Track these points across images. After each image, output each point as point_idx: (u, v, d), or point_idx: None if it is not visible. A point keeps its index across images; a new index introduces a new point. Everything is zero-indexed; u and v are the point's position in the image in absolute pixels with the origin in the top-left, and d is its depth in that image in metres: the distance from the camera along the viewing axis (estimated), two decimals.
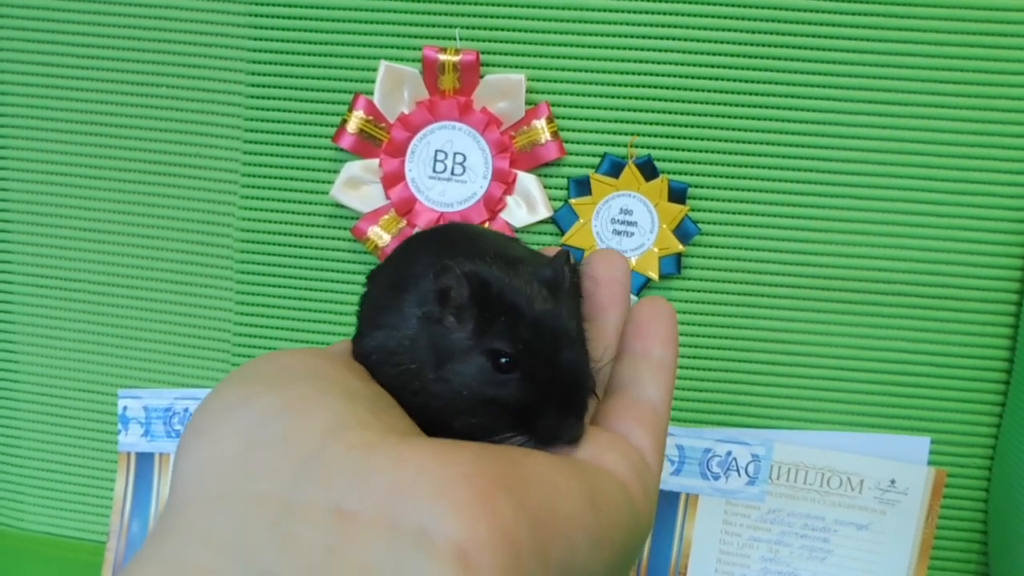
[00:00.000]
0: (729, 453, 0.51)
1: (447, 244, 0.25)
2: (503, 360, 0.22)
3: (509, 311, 0.23)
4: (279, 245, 0.53)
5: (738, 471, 0.51)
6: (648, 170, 0.49)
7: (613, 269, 0.27)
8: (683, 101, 0.50)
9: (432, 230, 0.28)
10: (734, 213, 0.50)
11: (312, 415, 0.19)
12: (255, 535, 0.17)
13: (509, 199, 0.51)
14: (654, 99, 0.50)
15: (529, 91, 0.50)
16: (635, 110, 0.50)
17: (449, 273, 0.22)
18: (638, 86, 0.50)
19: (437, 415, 0.23)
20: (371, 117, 0.50)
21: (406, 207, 0.51)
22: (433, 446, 0.19)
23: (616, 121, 0.50)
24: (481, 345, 0.23)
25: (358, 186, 0.51)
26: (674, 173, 0.50)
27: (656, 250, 0.50)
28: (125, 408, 0.55)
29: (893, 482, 0.51)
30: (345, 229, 0.52)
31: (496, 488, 0.18)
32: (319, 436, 0.18)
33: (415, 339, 0.23)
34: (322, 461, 0.18)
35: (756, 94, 0.49)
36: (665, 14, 0.49)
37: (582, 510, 0.19)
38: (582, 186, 0.50)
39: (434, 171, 0.50)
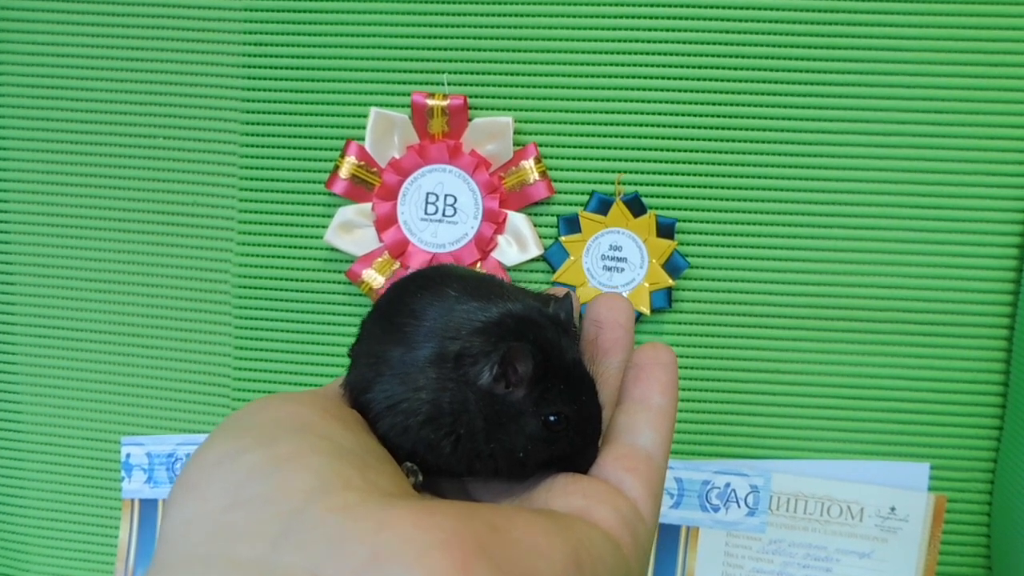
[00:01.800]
0: (728, 485, 0.51)
1: (447, 298, 0.25)
2: (558, 420, 0.23)
3: (559, 374, 0.24)
4: (275, 290, 0.53)
5: (737, 502, 0.51)
6: (636, 207, 0.50)
7: (616, 313, 0.27)
8: (668, 138, 0.50)
9: (420, 276, 0.28)
10: (723, 246, 0.51)
11: (296, 474, 0.19)
12: None
13: (500, 238, 0.51)
14: (639, 136, 0.50)
15: (517, 132, 0.51)
16: (621, 148, 0.51)
17: (516, 352, 0.23)
18: (623, 124, 0.50)
19: (464, 466, 0.24)
20: (363, 162, 0.51)
21: (399, 249, 0.51)
22: (414, 510, 0.18)
23: (603, 159, 0.51)
24: (541, 411, 0.23)
25: (352, 230, 0.52)
26: (661, 208, 0.51)
27: (647, 285, 0.50)
28: (128, 455, 0.56)
29: (893, 509, 0.51)
30: (340, 272, 0.53)
31: (474, 556, 0.18)
32: (301, 498, 0.19)
33: (439, 400, 0.23)
34: (302, 525, 0.18)
35: (741, 129, 0.50)
36: (648, 54, 0.50)
37: (565, 572, 0.19)
38: (571, 224, 0.51)
39: (426, 213, 0.51)
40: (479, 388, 0.23)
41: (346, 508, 0.18)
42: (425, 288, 0.26)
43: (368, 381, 0.24)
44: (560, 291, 0.28)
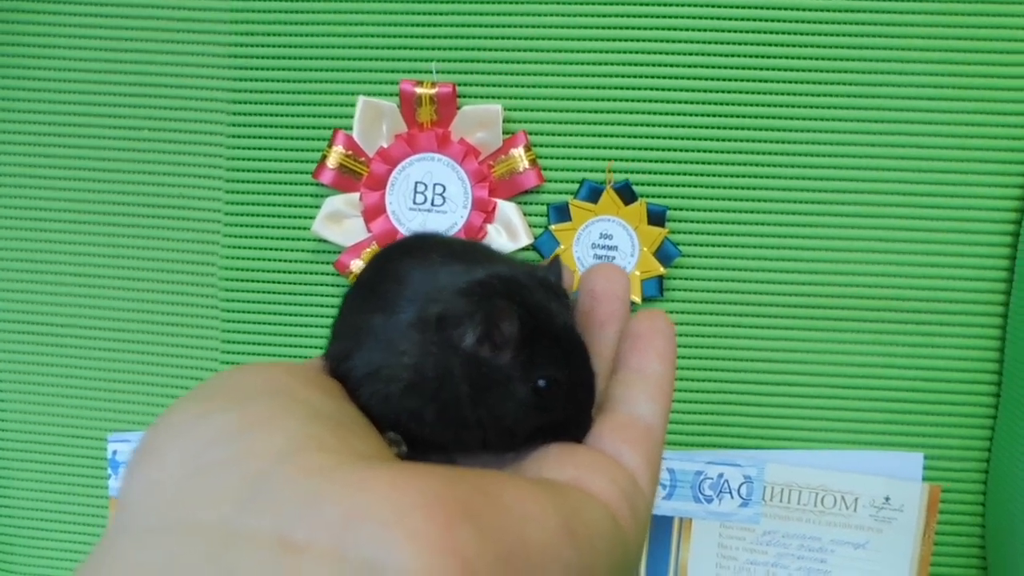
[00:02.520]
0: (721, 475, 0.51)
1: (431, 262, 0.24)
2: (549, 385, 0.22)
3: (548, 337, 0.23)
4: (263, 282, 0.53)
5: (731, 493, 0.51)
6: (626, 194, 0.50)
7: (612, 284, 0.26)
8: (659, 125, 0.50)
9: (403, 245, 0.27)
10: (715, 234, 0.50)
11: (267, 436, 0.18)
12: (190, 569, 0.16)
13: (490, 228, 0.51)
14: (630, 124, 0.50)
15: (506, 120, 0.50)
16: (611, 135, 0.50)
17: (500, 311, 0.21)
18: (614, 112, 0.50)
19: (449, 436, 0.23)
20: (350, 152, 0.50)
21: (388, 239, 0.51)
22: (394, 471, 0.17)
23: (593, 147, 0.50)
24: (530, 375, 0.22)
25: (339, 220, 0.51)
26: (652, 196, 0.50)
27: (638, 273, 0.50)
28: (115, 452, 0.55)
29: (888, 499, 0.50)
30: (328, 264, 0.52)
31: (458, 517, 0.16)
32: (271, 459, 0.17)
33: (421, 366, 0.22)
34: (271, 486, 0.17)
35: (733, 116, 0.50)
36: (638, 40, 0.49)
37: (557, 539, 0.18)
38: (561, 212, 0.50)
39: (414, 203, 0.51)
40: (463, 352, 0.22)
41: (320, 469, 0.17)
42: (408, 254, 0.25)
43: (348, 350, 0.23)
44: None
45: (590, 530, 0.19)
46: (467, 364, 0.22)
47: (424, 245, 0.25)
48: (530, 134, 0.50)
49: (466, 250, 0.25)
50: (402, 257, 0.25)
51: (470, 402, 0.22)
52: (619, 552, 0.20)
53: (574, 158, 0.51)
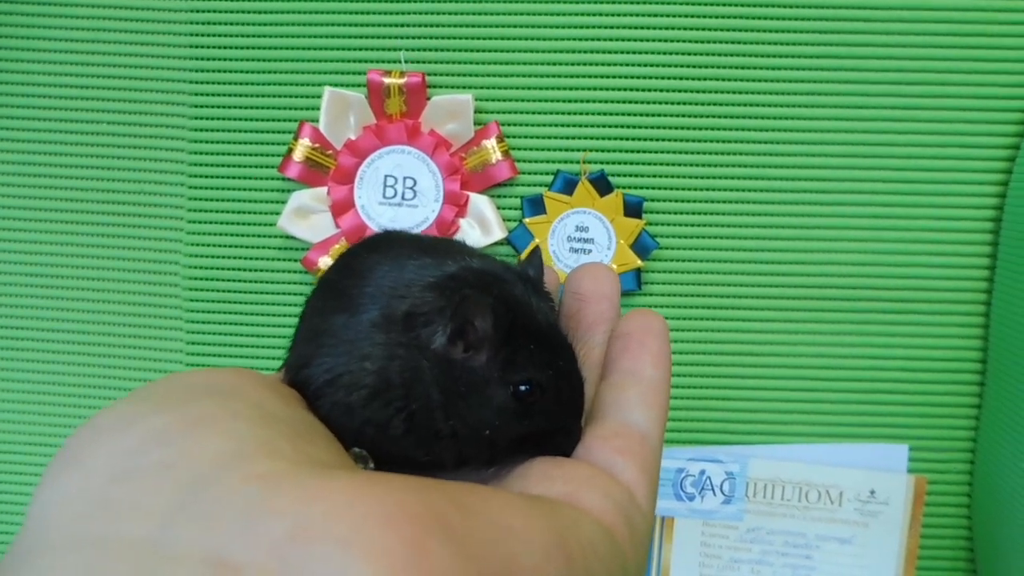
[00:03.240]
0: (703, 472, 0.50)
1: (399, 256, 0.22)
2: (530, 389, 0.20)
3: (527, 335, 0.20)
4: (228, 280, 0.51)
5: (713, 490, 0.50)
6: (602, 185, 0.48)
7: (601, 284, 0.24)
8: (634, 114, 0.49)
9: (369, 242, 0.25)
10: (693, 225, 0.49)
11: (209, 438, 0.16)
12: None
13: (462, 222, 0.49)
14: (604, 113, 0.49)
15: (477, 111, 0.49)
16: (586, 125, 0.49)
17: (471, 304, 0.19)
18: (588, 101, 0.49)
19: (421, 451, 0.20)
20: (317, 144, 0.49)
21: (357, 235, 0.49)
22: (355, 480, 0.15)
23: (567, 137, 0.49)
24: (509, 378, 0.20)
25: (307, 216, 0.49)
26: (628, 187, 0.49)
27: (615, 266, 0.49)
28: None
29: (873, 492, 0.49)
30: (295, 261, 0.50)
31: (430, 533, 0.14)
32: (211, 464, 0.15)
33: (387, 370, 0.20)
34: (208, 496, 0.15)
35: (709, 104, 0.48)
36: (612, 27, 0.48)
37: (550, 560, 0.16)
38: (536, 205, 0.49)
39: (384, 197, 0.49)
40: (434, 353, 0.20)
41: (267, 477, 0.15)
42: (374, 249, 0.23)
43: (307, 356, 0.21)
44: None
45: (586, 550, 0.17)
46: (438, 367, 0.20)
47: (391, 240, 0.23)
48: (502, 124, 0.49)
49: (437, 245, 0.23)
50: (367, 253, 0.23)
51: (442, 410, 0.20)
52: (618, 574, 0.18)
53: (548, 149, 0.49)
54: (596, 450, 0.21)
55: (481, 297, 0.19)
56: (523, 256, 0.24)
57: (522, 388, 0.20)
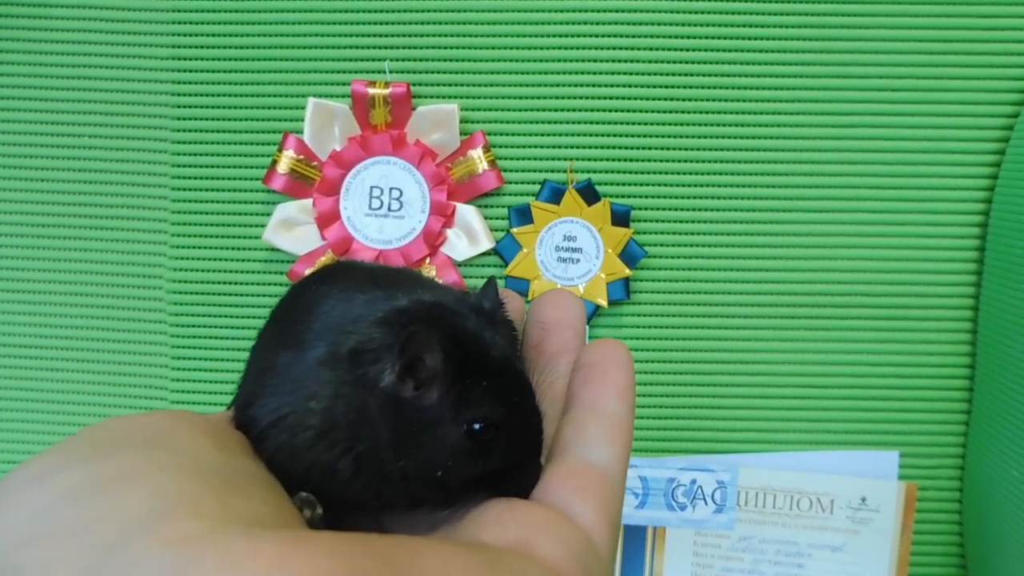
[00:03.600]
0: (694, 481, 0.50)
1: (347, 290, 0.21)
2: (484, 428, 0.19)
3: (480, 370, 0.20)
4: (213, 294, 0.50)
5: (704, 499, 0.50)
6: (589, 195, 0.48)
7: (563, 312, 0.23)
8: (621, 123, 0.48)
9: (319, 274, 0.24)
10: (681, 233, 0.49)
11: (127, 497, 0.15)
12: None
13: (449, 232, 0.49)
14: (591, 122, 0.49)
15: (463, 121, 0.48)
16: (572, 134, 0.49)
17: (419, 339, 0.18)
18: (574, 110, 0.49)
19: (371, 494, 0.19)
20: (302, 156, 0.48)
21: (343, 247, 0.49)
22: (281, 542, 0.14)
23: (554, 147, 0.49)
24: (463, 416, 0.19)
25: (292, 228, 0.49)
26: (616, 196, 0.49)
27: (603, 276, 0.48)
28: None
29: (864, 500, 0.49)
30: (281, 273, 0.50)
31: None
32: (128, 525, 0.14)
33: (333, 410, 0.19)
34: (116, 565, 0.13)
35: (696, 112, 0.48)
36: (598, 36, 0.48)
37: None
38: (523, 215, 0.48)
39: (370, 208, 0.49)
40: (383, 391, 0.19)
41: (184, 540, 0.14)
42: (323, 282, 0.22)
43: (252, 396, 0.20)
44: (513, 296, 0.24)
45: None
46: (387, 406, 0.19)
47: (342, 272, 0.22)
48: (488, 134, 0.48)
49: (390, 276, 0.22)
50: (317, 286, 0.22)
51: (392, 451, 0.19)
52: None
53: (534, 158, 0.49)
54: (554, 490, 0.20)
55: (431, 332, 0.18)
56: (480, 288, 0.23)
57: (476, 426, 0.19)
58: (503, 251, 0.49)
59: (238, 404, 0.21)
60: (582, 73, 0.48)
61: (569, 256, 0.49)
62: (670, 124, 0.48)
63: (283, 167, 0.48)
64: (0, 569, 0.14)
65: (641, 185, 0.49)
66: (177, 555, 0.13)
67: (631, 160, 0.49)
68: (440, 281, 0.26)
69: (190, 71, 0.49)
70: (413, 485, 0.19)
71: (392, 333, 0.19)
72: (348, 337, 0.19)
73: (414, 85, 0.48)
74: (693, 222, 0.49)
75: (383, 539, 0.16)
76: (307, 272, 0.49)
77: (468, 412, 0.19)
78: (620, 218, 0.48)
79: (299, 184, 0.49)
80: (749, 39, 0.48)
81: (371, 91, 0.47)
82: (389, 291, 0.20)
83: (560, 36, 0.48)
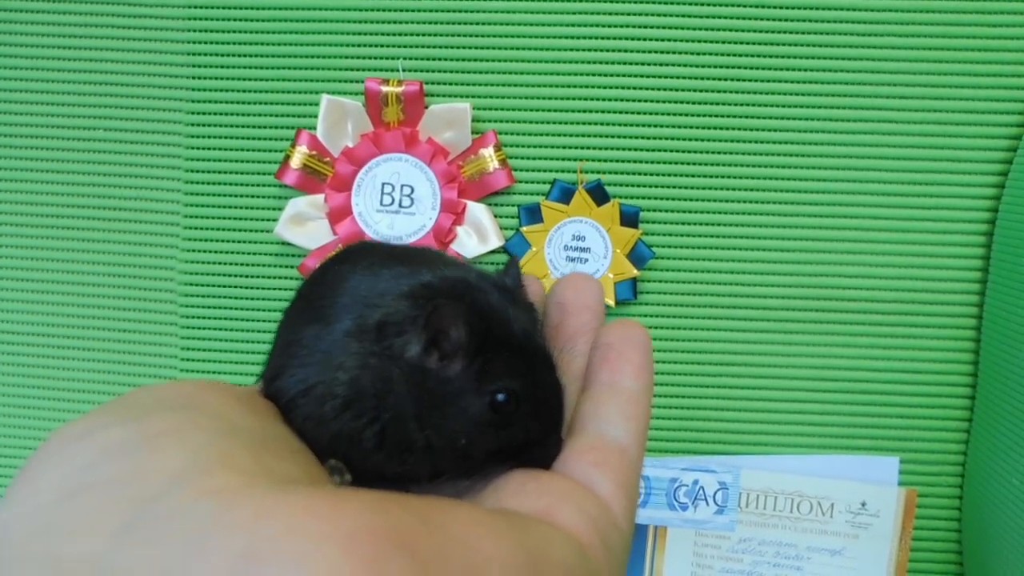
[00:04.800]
0: (696, 482, 0.50)
1: (372, 266, 0.22)
2: (507, 399, 0.20)
3: (503, 344, 0.20)
4: (224, 287, 0.51)
5: (706, 500, 0.50)
6: (599, 195, 0.48)
7: (583, 294, 0.24)
8: (631, 124, 0.49)
9: (343, 253, 0.24)
10: (689, 235, 0.49)
11: (164, 452, 0.15)
12: None
13: (459, 230, 0.49)
14: (601, 123, 0.49)
15: (475, 120, 0.49)
16: (583, 135, 0.49)
17: (443, 312, 0.19)
18: (585, 111, 0.49)
19: (395, 463, 0.20)
20: (315, 152, 0.49)
21: (354, 242, 0.49)
22: (314, 496, 0.14)
23: (564, 147, 0.49)
24: (486, 387, 0.20)
25: (303, 222, 0.49)
26: (625, 197, 0.49)
27: (611, 276, 0.49)
28: None
29: (864, 504, 0.50)
30: (292, 267, 0.50)
31: (390, 553, 0.13)
32: (165, 479, 0.15)
33: (359, 381, 0.19)
34: (159, 513, 0.14)
35: (705, 115, 0.49)
36: (609, 39, 0.48)
37: None
38: (533, 214, 0.49)
39: (381, 204, 0.49)
40: (407, 362, 0.19)
41: (222, 491, 0.14)
42: (347, 260, 0.22)
43: (279, 368, 0.21)
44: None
45: (557, 570, 0.17)
46: (412, 377, 0.19)
47: (366, 251, 0.23)
48: (500, 133, 0.49)
49: (412, 254, 0.23)
50: (341, 264, 0.22)
51: (416, 421, 0.20)
52: None
53: (545, 158, 0.49)
54: (573, 464, 0.20)
55: (455, 306, 0.19)
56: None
57: (498, 397, 0.20)
58: (512, 249, 0.49)
59: (266, 377, 0.21)
60: (593, 75, 0.49)
61: (578, 255, 0.49)
62: (680, 127, 0.49)
63: (296, 162, 0.49)
64: (48, 520, 0.15)
65: (650, 187, 0.49)
66: (214, 505, 0.14)
67: (641, 161, 0.49)
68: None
69: (205, 67, 0.50)
70: (437, 454, 0.20)
71: (417, 306, 0.20)
72: (374, 310, 0.20)
73: (427, 84, 0.49)
74: (701, 224, 0.49)
75: (415, 498, 0.16)
76: (314, 265, 0.49)
77: (490, 383, 0.20)
78: (629, 219, 0.48)
79: (311, 179, 0.49)
80: (759, 44, 0.48)
81: (384, 89, 0.48)
82: (413, 267, 0.21)
83: (572, 38, 0.49)
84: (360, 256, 0.22)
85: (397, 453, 0.20)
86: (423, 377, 0.20)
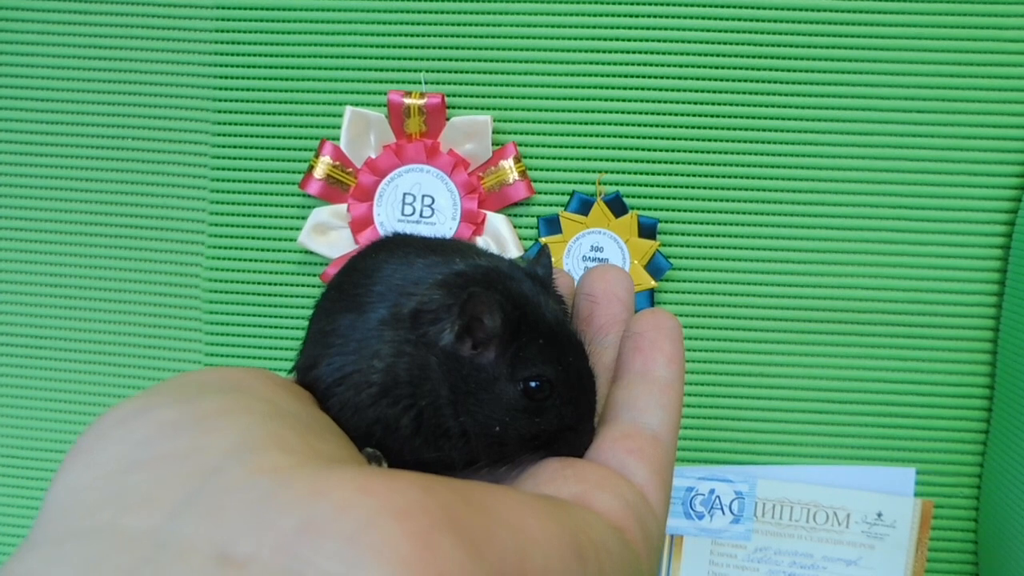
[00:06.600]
0: (712, 491, 0.50)
1: (407, 256, 0.22)
2: (540, 386, 0.20)
3: (536, 331, 0.20)
4: (248, 295, 0.52)
5: (722, 509, 0.50)
6: (617, 207, 0.49)
7: (613, 285, 0.24)
8: (650, 137, 0.50)
9: (377, 244, 0.24)
10: (706, 247, 0.50)
11: (219, 430, 0.16)
12: None
13: (479, 240, 0.50)
14: (621, 136, 0.50)
15: (496, 132, 0.50)
16: (602, 147, 0.50)
17: (478, 300, 0.19)
18: (604, 123, 0.50)
19: (430, 450, 0.20)
20: (338, 162, 0.50)
21: None
22: (365, 475, 0.15)
23: (583, 159, 0.50)
24: (519, 374, 0.20)
25: (326, 232, 0.50)
26: (643, 209, 0.50)
27: None
28: None
29: (880, 515, 0.50)
30: (314, 276, 0.51)
31: (440, 530, 0.14)
32: (220, 456, 0.15)
33: (395, 368, 0.20)
34: (216, 488, 0.14)
35: (724, 128, 0.49)
36: (629, 52, 0.49)
37: (562, 562, 0.16)
38: (552, 225, 0.50)
39: (403, 214, 0.50)
40: (442, 350, 0.20)
41: (277, 469, 0.15)
42: (381, 250, 0.23)
43: (315, 357, 0.21)
44: None
45: (599, 552, 0.17)
46: (446, 364, 0.20)
47: (399, 242, 0.23)
48: (520, 145, 0.50)
49: (445, 245, 0.23)
50: (375, 253, 0.22)
51: (451, 408, 0.20)
52: None
53: (564, 170, 0.50)
54: (607, 451, 0.20)
55: (489, 294, 0.19)
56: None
57: (532, 384, 0.20)
58: None
59: (300, 367, 0.22)
60: (613, 88, 0.49)
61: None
62: (698, 140, 0.49)
63: (319, 172, 0.50)
64: (105, 493, 0.15)
65: (668, 199, 0.50)
66: (269, 482, 0.14)
67: (659, 174, 0.50)
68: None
69: (231, 78, 0.51)
70: (471, 441, 0.20)
71: (452, 294, 0.20)
72: (409, 298, 0.20)
73: (448, 96, 0.49)
74: (718, 236, 0.50)
75: (464, 481, 0.16)
76: None
77: (524, 370, 0.20)
78: (647, 230, 0.49)
79: (334, 190, 0.50)
80: (778, 58, 0.49)
81: (407, 101, 0.49)
82: (447, 256, 0.21)
83: (592, 51, 0.49)
84: (394, 246, 0.23)
85: (433, 439, 0.20)
86: (458, 364, 0.20)
